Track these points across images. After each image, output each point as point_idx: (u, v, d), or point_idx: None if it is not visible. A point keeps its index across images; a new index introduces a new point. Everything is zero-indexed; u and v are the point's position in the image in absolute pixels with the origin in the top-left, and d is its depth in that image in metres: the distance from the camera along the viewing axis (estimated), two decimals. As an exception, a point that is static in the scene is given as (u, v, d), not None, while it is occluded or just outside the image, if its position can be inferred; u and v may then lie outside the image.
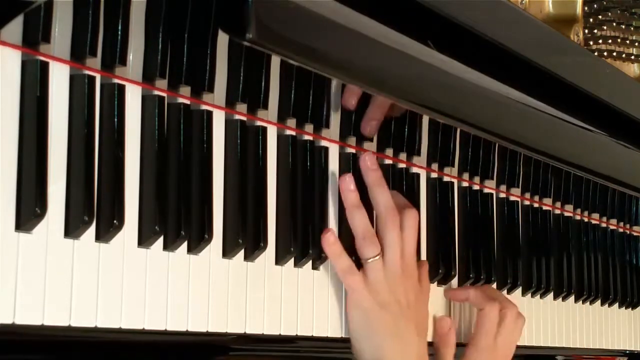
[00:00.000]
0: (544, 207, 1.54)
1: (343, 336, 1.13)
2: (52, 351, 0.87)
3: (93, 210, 0.86)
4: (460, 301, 1.33)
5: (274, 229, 1.05)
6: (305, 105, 1.09)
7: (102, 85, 0.89)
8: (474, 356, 1.29)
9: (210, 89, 0.98)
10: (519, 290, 1.45)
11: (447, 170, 1.33)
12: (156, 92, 0.93)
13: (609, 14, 1.38)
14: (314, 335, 1.10)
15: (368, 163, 1.15)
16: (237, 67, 1.00)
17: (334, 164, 1.14)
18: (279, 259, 1.05)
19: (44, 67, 0.84)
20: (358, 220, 1.12)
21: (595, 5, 1.37)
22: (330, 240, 1.10)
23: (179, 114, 0.95)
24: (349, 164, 1.15)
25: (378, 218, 1.16)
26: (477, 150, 1.37)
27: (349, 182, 1.12)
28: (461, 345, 1.32)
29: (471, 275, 1.34)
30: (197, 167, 0.96)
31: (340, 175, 1.14)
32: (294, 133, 1.09)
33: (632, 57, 1.43)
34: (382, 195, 1.15)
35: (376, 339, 1.11)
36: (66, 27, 0.86)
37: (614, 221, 1.75)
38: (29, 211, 0.81)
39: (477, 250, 1.36)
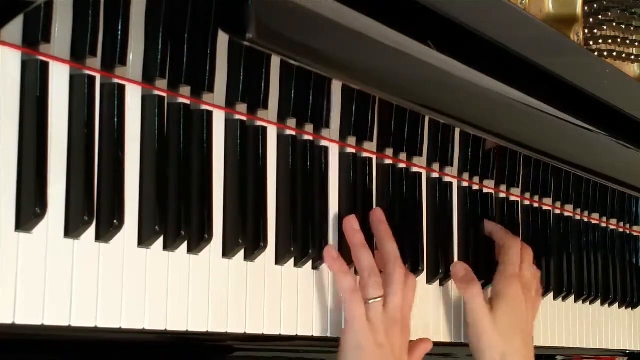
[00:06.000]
0: (544, 207, 1.54)
1: (343, 336, 1.13)
2: (52, 351, 0.87)
3: (93, 210, 0.86)
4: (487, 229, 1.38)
5: (274, 229, 1.05)
6: (305, 105, 1.09)
7: (102, 85, 0.89)
8: (502, 283, 1.34)
9: (210, 89, 0.98)
10: (519, 290, 1.44)
11: (447, 170, 1.33)
12: (156, 92, 0.93)
13: (609, 14, 1.38)
14: (314, 335, 1.10)
15: (378, 216, 1.17)
16: (237, 67, 1.00)
17: (334, 164, 1.14)
18: (279, 259, 1.05)
19: (44, 67, 0.84)
20: (365, 259, 1.13)
21: (595, 5, 1.37)
22: (333, 256, 1.11)
23: (179, 114, 0.95)
24: (349, 164, 1.15)
25: (385, 265, 1.16)
26: (477, 150, 1.37)
27: (353, 222, 1.14)
28: (460, 346, 1.32)
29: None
30: (197, 167, 0.96)
31: (344, 218, 1.14)
32: (294, 133, 1.09)
33: (632, 57, 1.43)
34: (391, 246, 1.17)
35: None
36: (66, 27, 0.86)
37: (614, 221, 1.75)
38: (29, 211, 0.81)
39: (477, 250, 1.36)
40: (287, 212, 1.06)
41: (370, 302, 1.12)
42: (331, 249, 1.11)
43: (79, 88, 0.87)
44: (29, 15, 0.82)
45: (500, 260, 1.37)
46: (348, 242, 1.13)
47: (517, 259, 1.37)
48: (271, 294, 1.04)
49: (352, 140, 1.17)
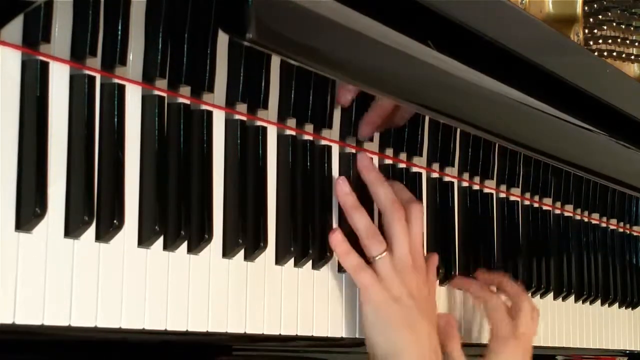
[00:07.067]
0: (544, 207, 1.54)
1: (343, 336, 1.13)
2: (52, 351, 0.87)
3: (93, 210, 0.86)
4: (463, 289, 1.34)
5: (274, 229, 1.05)
6: (305, 105, 1.09)
7: (102, 85, 0.89)
8: (497, 346, 1.30)
9: (210, 89, 0.98)
10: (519, 290, 1.44)
11: (447, 170, 1.33)
12: (156, 92, 0.93)
13: (609, 14, 1.38)
14: (314, 335, 1.10)
15: (364, 162, 1.16)
16: (237, 67, 1.00)
17: (334, 164, 1.14)
18: (279, 259, 1.06)
19: (44, 67, 0.84)
20: (359, 220, 1.13)
21: (595, 5, 1.37)
22: (339, 239, 1.11)
23: (179, 114, 0.95)
24: (349, 164, 1.16)
25: (383, 213, 1.16)
26: (477, 150, 1.37)
27: (343, 185, 1.13)
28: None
29: (471, 276, 1.34)
30: (197, 167, 0.96)
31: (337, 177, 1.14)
32: (294, 133, 1.09)
33: (632, 57, 1.43)
34: (382, 191, 1.16)
35: (390, 333, 1.11)
36: (66, 27, 0.86)
37: (614, 221, 1.75)
38: (29, 211, 0.81)
39: (477, 250, 1.36)
40: (287, 212, 1.06)
41: (377, 258, 1.12)
42: (337, 232, 1.11)
43: (79, 88, 0.87)
44: (29, 15, 0.82)
45: (490, 323, 1.32)
46: (341, 206, 1.13)
47: (506, 317, 1.31)
48: (271, 294, 1.04)
49: (352, 140, 1.17)
